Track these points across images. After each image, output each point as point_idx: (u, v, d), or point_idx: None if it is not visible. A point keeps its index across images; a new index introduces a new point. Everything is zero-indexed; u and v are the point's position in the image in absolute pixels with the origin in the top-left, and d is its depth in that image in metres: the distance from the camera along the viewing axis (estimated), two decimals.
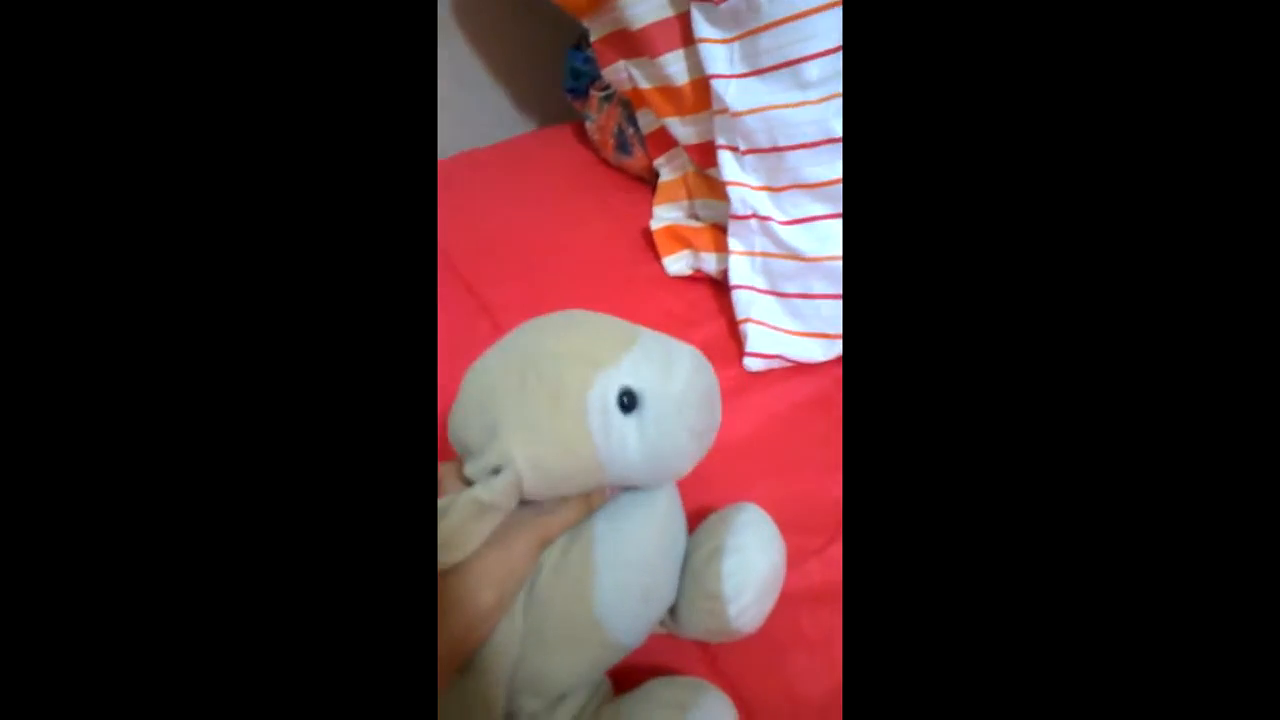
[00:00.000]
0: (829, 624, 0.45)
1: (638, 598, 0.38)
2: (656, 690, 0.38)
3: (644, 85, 0.71)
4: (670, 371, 0.35)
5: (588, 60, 0.81)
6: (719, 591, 0.39)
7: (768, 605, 0.41)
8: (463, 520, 0.32)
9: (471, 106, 1.05)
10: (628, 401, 0.34)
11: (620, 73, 0.73)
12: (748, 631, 0.41)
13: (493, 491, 0.33)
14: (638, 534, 0.38)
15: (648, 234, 0.76)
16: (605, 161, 0.90)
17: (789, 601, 0.43)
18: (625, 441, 0.34)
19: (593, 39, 0.73)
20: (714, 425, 0.38)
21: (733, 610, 0.39)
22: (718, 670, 0.43)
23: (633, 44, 0.68)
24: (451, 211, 0.81)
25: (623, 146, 0.84)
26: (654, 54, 0.66)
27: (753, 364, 0.62)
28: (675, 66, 0.66)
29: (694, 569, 0.41)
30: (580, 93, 0.88)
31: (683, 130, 0.70)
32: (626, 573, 0.37)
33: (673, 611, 0.42)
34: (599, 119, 0.86)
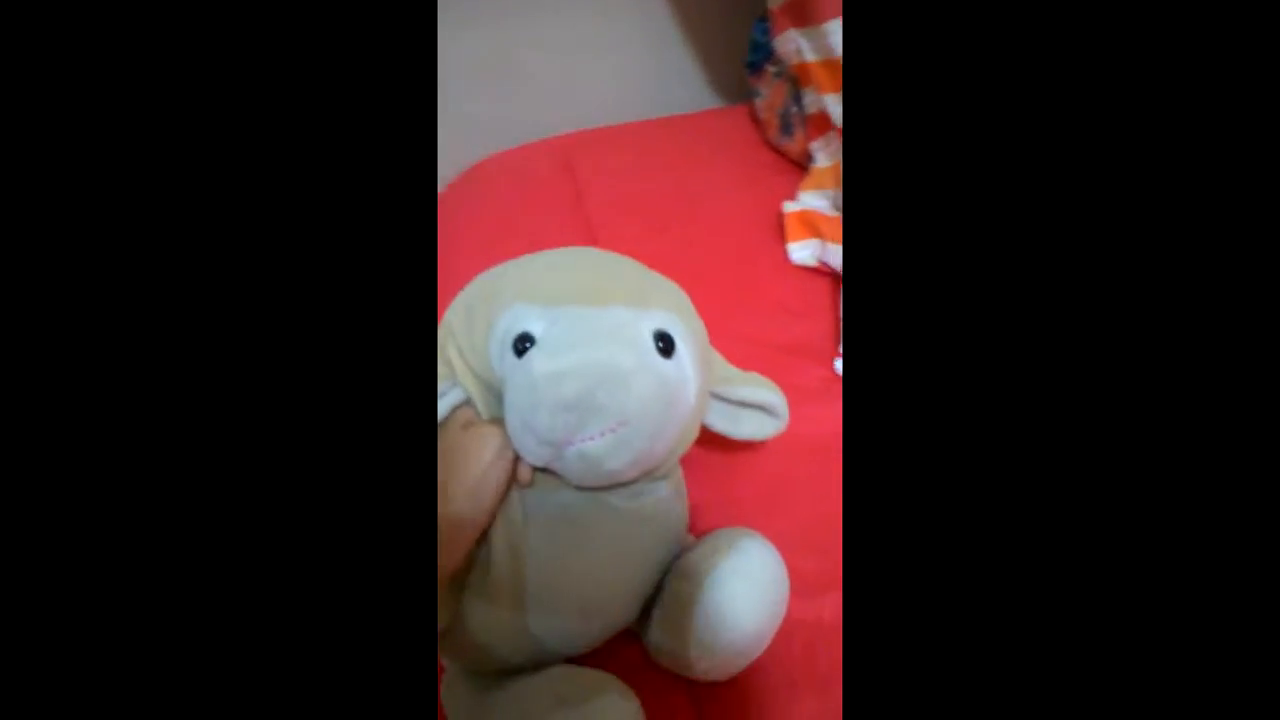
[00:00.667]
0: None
1: (574, 613, 0.35)
2: (550, 678, 0.34)
3: (809, 58, 0.66)
4: (556, 355, 0.31)
5: (766, 31, 0.78)
6: (685, 642, 0.35)
7: (744, 661, 0.36)
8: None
9: (669, 77, 1.05)
10: (520, 347, 0.33)
11: (790, 43, 0.69)
12: (716, 679, 0.37)
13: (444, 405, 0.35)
14: (581, 546, 0.35)
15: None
16: (769, 143, 0.85)
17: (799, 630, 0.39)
18: (509, 382, 0.33)
19: (770, 4, 0.70)
20: (561, 437, 0.31)
21: (700, 665, 0.35)
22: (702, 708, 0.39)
23: (804, 8, 0.64)
24: (604, 173, 0.82)
25: (786, 127, 0.79)
26: (820, 19, 0.61)
27: (842, 366, 0.56)
28: (838, 35, 0.60)
29: (670, 599, 0.36)
30: (757, 67, 0.84)
31: (838, 110, 0.64)
32: (563, 586, 0.34)
33: (643, 624, 0.38)
34: (768, 96, 0.82)
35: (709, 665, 0.35)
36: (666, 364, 0.33)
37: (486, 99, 0.92)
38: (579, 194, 0.78)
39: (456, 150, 0.85)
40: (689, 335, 0.35)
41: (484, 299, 0.35)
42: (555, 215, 0.76)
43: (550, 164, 0.85)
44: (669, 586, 0.37)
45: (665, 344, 0.33)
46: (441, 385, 0.36)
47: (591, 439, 0.31)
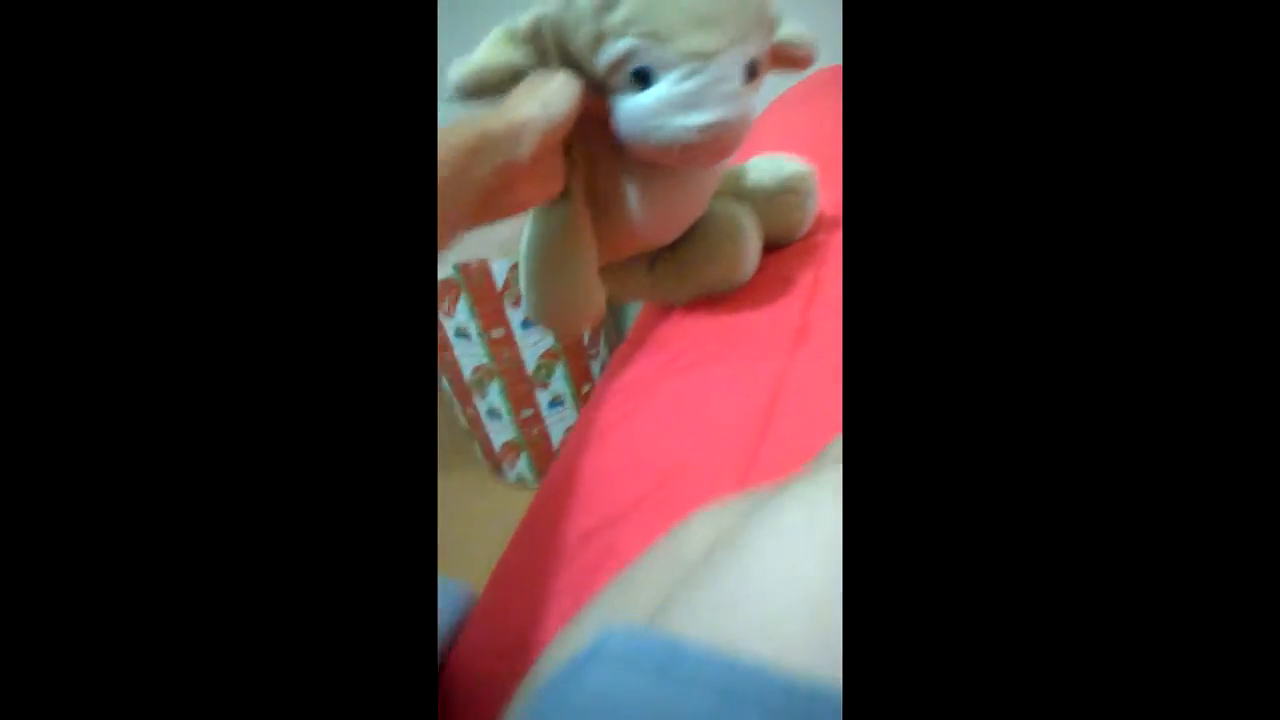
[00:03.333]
0: None
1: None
2: None
3: None
4: (691, 110, 0.37)
5: None
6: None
7: None
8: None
9: None
10: (641, 76, 0.37)
11: None
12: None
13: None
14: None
15: None
16: None
17: None
18: (619, 99, 0.39)
19: None
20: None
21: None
22: None
23: None
24: None
25: None
26: None
27: None
28: None
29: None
30: None
31: None
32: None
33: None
34: None
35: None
36: (750, 96, 0.40)
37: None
38: None
39: None
40: (767, 43, 0.41)
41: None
42: None
43: None
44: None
45: (753, 71, 0.39)
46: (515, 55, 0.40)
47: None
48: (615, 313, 1.50)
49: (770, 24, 0.41)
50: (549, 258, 0.44)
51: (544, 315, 0.45)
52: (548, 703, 0.21)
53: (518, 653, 0.32)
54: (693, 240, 0.52)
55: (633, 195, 0.44)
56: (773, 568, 0.20)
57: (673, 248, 0.53)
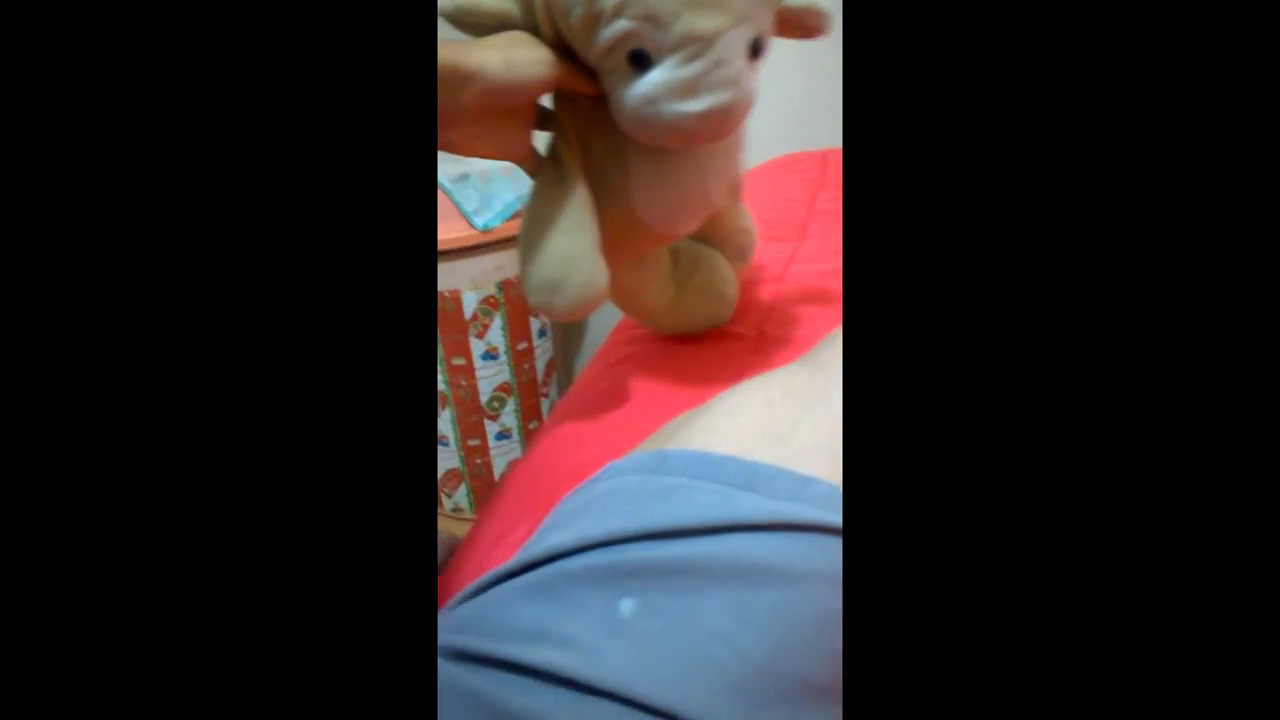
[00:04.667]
0: None
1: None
2: None
3: None
4: (691, 95, 0.36)
5: None
6: None
7: None
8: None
9: None
10: (638, 59, 0.36)
11: None
12: None
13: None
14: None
15: None
16: None
17: None
18: (616, 83, 0.38)
19: None
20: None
21: None
22: None
23: None
24: None
25: None
26: None
27: None
28: None
29: None
30: None
31: None
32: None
33: None
34: None
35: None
36: (754, 77, 0.38)
37: None
38: None
39: None
40: (771, 19, 0.39)
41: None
42: None
43: None
44: None
45: (757, 49, 0.38)
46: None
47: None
48: (568, 359, 1.58)
49: None
50: (540, 229, 0.41)
51: (534, 289, 0.41)
52: (568, 502, 0.29)
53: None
54: (708, 254, 0.53)
55: (636, 179, 0.42)
56: (730, 405, 0.30)
57: (695, 261, 0.53)
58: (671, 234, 0.47)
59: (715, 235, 0.55)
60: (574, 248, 0.40)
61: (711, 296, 0.54)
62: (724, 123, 0.37)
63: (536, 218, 0.41)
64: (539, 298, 0.40)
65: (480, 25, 0.39)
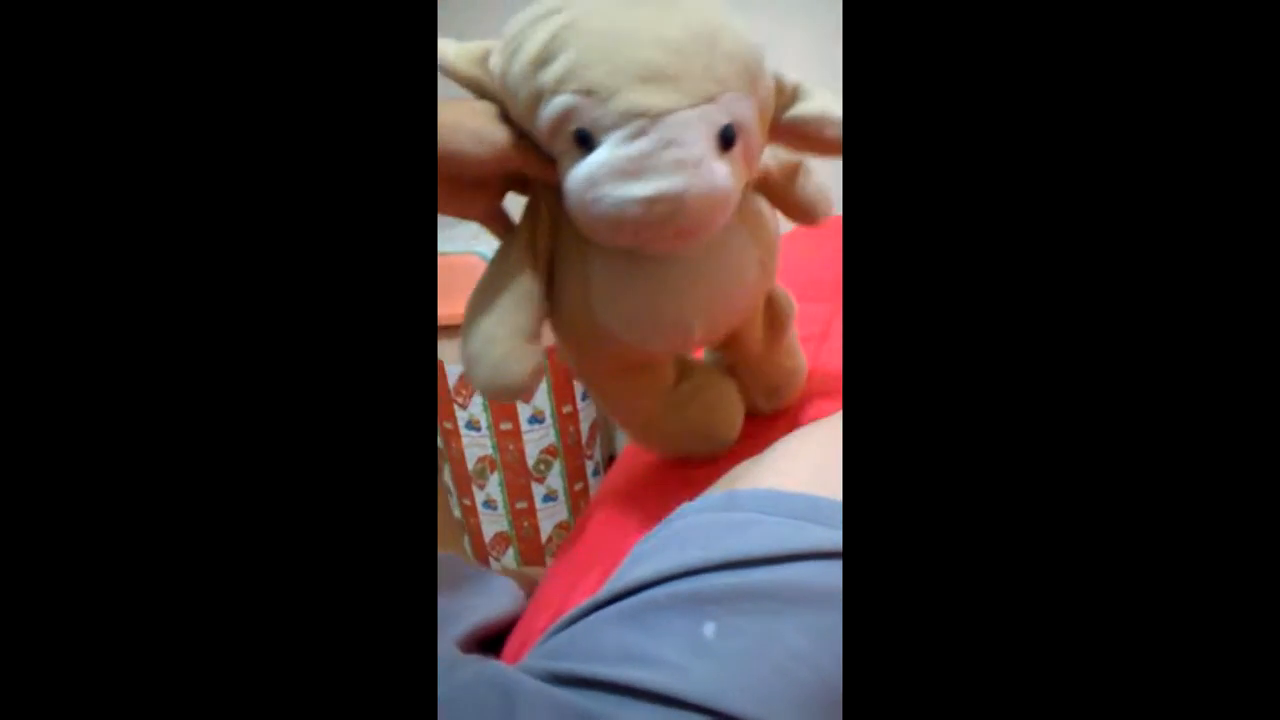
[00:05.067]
0: None
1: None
2: None
3: None
4: (634, 177, 0.32)
5: None
6: None
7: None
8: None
9: None
10: (583, 139, 0.33)
11: None
12: None
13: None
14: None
15: None
16: None
17: None
18: (565, 166, 0.34)
19: None
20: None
21: None
22: None
23: None
24: None
25: None
26: None
27: None
28: None
29: None
30: None
31: None
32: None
33: None
34: None
35: None
36: (723, 169, 0.33)
37: None
38: None
39: None
40: (751, 109, 0.35)
41: (535, 33, 0.33)
42: None
43: None
44: None
45: (728, 141, 0.33)
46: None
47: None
48: (610, 420, 1.61)
49: (760, 83, 0.35)
50: (478, 299, 0.38)
51: (463, 359, 0.39)
52: (646, 541, 0.32)
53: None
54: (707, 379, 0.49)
55: (595, 277, 0.39)
56: (791, 449, 0.33)
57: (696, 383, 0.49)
58: (644, 348, 0.42)
59: (742, 364, 0.51)
60: (498, 330, 0.37)
61: (695, 431, 0.49)
62: (675, 214, 0.32)
63: (480, 288, 0.39)
64: (465, 368, 0.38)
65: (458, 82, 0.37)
